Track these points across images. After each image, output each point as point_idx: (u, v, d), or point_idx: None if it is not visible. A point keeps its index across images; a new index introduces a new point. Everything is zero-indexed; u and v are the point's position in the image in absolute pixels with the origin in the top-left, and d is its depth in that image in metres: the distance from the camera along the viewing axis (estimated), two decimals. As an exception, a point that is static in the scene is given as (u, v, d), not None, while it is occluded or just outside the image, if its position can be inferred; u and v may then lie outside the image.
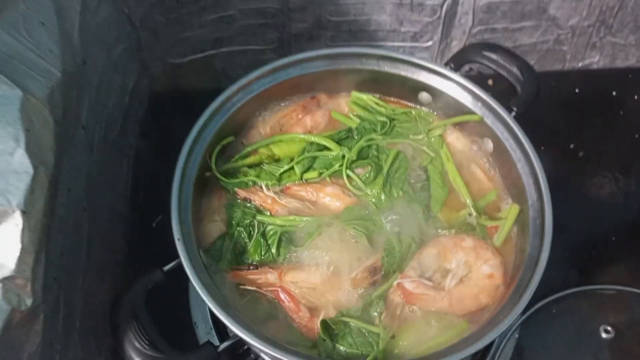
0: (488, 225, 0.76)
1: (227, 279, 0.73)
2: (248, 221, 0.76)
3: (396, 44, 1.16)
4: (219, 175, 0.78)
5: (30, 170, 0.54)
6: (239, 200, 0.78)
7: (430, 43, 1.16)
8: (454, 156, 0.82)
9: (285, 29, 1.13)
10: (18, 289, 0.53)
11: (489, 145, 0.81)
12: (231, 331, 0.82)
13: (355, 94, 0.86)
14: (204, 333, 0.87)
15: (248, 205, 0.78)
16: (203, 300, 0.89)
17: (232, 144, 0.83)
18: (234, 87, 0.80)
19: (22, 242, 0.52)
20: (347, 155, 0.80)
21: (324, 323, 0.67)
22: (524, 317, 0.89)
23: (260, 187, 0.79)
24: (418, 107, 0.87)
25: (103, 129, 0.89)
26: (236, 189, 0.78)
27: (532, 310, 0.90)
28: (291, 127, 0.84)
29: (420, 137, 0.84)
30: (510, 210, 0.77)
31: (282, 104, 0.86)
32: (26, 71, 0.58)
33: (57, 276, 0.66)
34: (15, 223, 0.52)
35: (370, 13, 1.11)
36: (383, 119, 0.84)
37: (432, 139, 0.83)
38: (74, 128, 0.74)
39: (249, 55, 1.17)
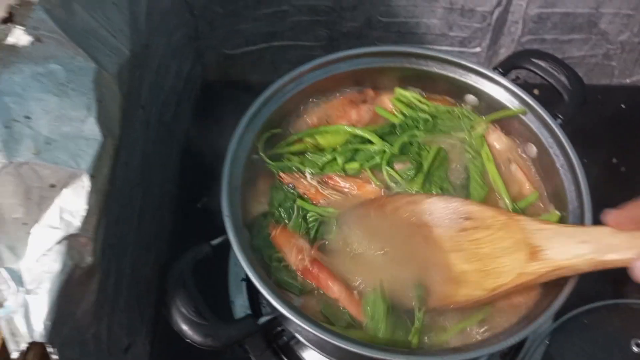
0: None
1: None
2: (289, 204, 0.79)
3: (444, 47, 1.18)
4: (265, 158, 0.81)
5: (99, 137, 0.58)
6: (282, 184, 0.81)
7: (478, 49, 1.18)
8: (495, 156, 0.83)
9: (335, 27, 1.16)
10: (81, 247, 0.56)
11: (533, 150, 0.82)
12: (268, 309, 0.86)
13: (398, 91, 0.88)
14: (241, 311, 0.91)
15: (291, 190, 0.81)
16: (241, 280, 0.95)
17: (280, 131, 0.86)
18: (286, 78, 0.83)
19: (88, 203, 0.56)
20: (387, 150, 0.82)
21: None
22: (555, 324, 0.90)
23: (304, 175, 0.82)
24: (461, 105, 0.89)
25: (158, 110, 0.93)
26: (280, 174, 0.81)
27: (563, 318, 0.90)
28: (337, 119, 0.87)
29: (462, 135, 0.85)
30: (550, 216, 0.77)
31: (330, 96, 0.89)
32: (100, 47, 0.63)
33: (111, 243, 0.70)
34: (83, 185, 0.56)
35: (421, 16, 1.13)
36: (425, 116, 0.85)
37: (474, 138, 0.84)
38: (134, 106, 0.79)
39: (298, 51, 1.21)
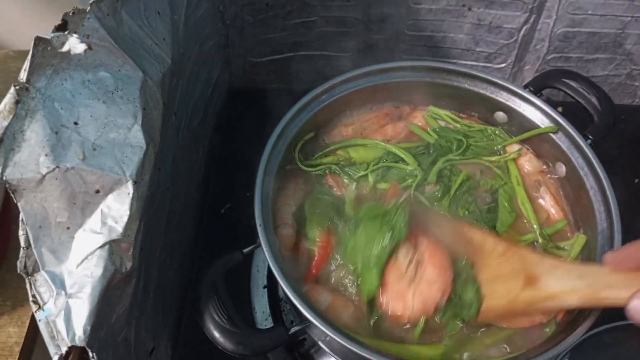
0: (554, 253, 0.78)
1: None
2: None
3: (469, 62, 1.19)
4: (305, 168, 0.84)
5: (144, 145, 0.59)
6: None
7: (503, 65, 1.18)
8: (524, 178, 0.84)
9: (361, 39, 1.17)
10: (122, 252, 0.57)
11: (562, 169, 0.82)
12: (291, 317, 0.87)
13: (432, 109, 0.89)
14: (262, 319, 0.91)
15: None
16: (263, 288, 0.95)
17: (312, 140, 0.87)
18: (319, 89, 0.84)
19: (131, 209, 0.57)
20: (419, 176, 0.82)
21: None
22: (575, 342, 0.90)
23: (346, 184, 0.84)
24: (492, 127, 0.89)
25: (188, 116, 0.94)
26: (327, 174, 0.84)
27: (584, 336, 0.90)
28: (372, 133, 0.88)
29: (493, 158, 0.86)
30: (576, 241, 0.78)
31: (366, 109, 0.90)
32: (145, 55, 0.64)
33: (142, 247, 0.71)
34: (128, 191, 0.57)
35: (448, 30, 1.14)
36: (459, 137, 0.86)
37: (505, 161, 0.85)
38: (168, 113, 0.80)
39: (324, 61, 1.22)
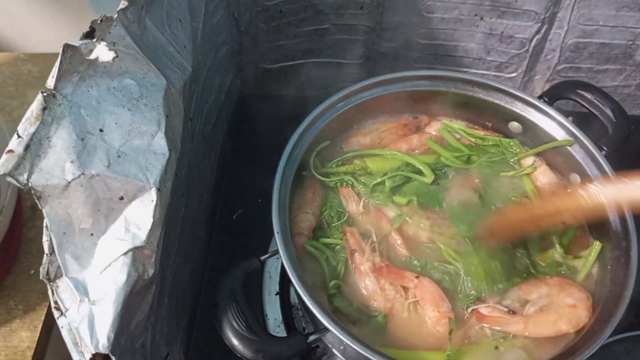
0: (574, 264, 0.78)
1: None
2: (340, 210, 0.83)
3: (480, 71, 1.19)
4: (320, 177, 0.84)
5: (166, 152, 0.59)
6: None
7: (514, 74, 1.19)
8: (539, 190, 0.84)
9: (373, 47, 1.18)
10: (145, 259, 0.57)
11: (576, 179, 0.83)
12: (304, 324, 0.87)
13: (446, 122, 0.89)
14: (274, 326, 0.92)
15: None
16: (275, 295, 0.95)
17: (330, 147, 0.88)
18: (335, 97, 0.85)
19: (154, 216, 0.57)
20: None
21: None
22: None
23: (357, 198, 0.83)
24: (507, 139, 0.90)
25: (202, 122, 0.94)
26: (339, 187, 0.84)
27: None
28: (390, 143, 0.88)
29: (510, 173, 0.86)
30: (592, 248, 0.78)
31: (384, 118, 0.91)
32: (168, 63, 0.64)
33: (161, 254, 0.71)
34: (151, 199, 0.57)
35: (459, 40, 1.14)
36: (473, 153, 0.87)
37: (521, 175, 0.85)
38: (187, 119, 0.80)
39: (335, 68, 1.22)
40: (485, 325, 0.73)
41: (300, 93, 1.25)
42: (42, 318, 0.88)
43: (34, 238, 0.96)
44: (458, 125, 0.90)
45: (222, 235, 1.06)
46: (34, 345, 0.86)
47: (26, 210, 0.99)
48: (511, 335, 0.72)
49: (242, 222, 1.06)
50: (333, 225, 0.82)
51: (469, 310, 0.74)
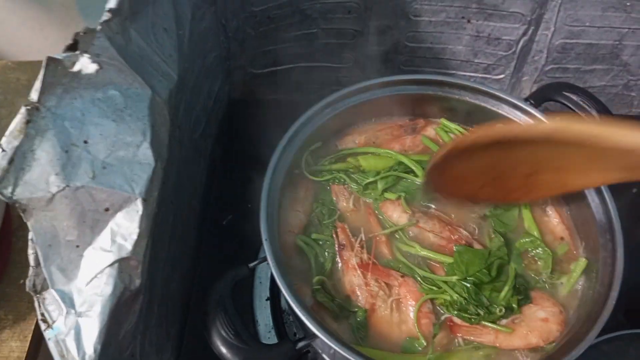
0: (559, 281, 0.78)
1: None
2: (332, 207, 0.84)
3: (468, 73, 1.20)
4: (311, 177, 0.85)
5: (152, 162, 0.59)
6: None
7: (501, 76, 1.19)
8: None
9: (362, 50, 1.18)
10: (131, 269, 0.57)
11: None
12: (294, 330, 0.87)
13: (444, 122, 0.90)
14: (265, 331, 0.92)
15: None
16: (266, 300, 0.95)
17: (324, 145, 0.89)
18: (323, 102, 0.85)
19: (140, 227, 0.57)
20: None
21: None
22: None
23: (349, 195, 0.84)
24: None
25: (190, 129, 0.94)
26: (331, 184, 0.85)
27: (585, 347, 0.91)
28: (385, 143, 0.89)
29: None
30: (578, 264, 0.78)
31: (381, 119, 0.92)
32: (153, 73, 0.64)
33: (149, 262, 0.71)
34: (137, 209, 0.57)
35: (447, 42, 1.15)
36: None
37: None
38: (173, 127, 0.80)
39: (324, 72, 1.22)
40: (457, 335, 0.74)
41: (290, 97, 1.25)
42: (32, 328, 0.88)
43: (23, 248, 0.95)
44: (454, 125, 0.90)
45: (211, 241, 1.06)
46: (24, 355, 0.86)
47: (15, 219, 0.99)
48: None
49: (231, 228, 1.06)
50: (324, 222, 0.82)
51: (443, 318, 0.75)
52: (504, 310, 0.72)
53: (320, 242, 0.81)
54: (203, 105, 1.01)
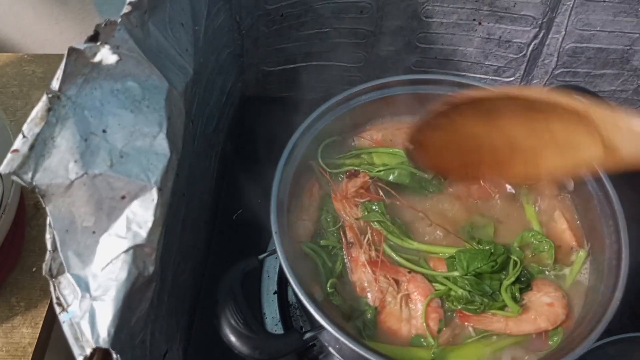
0: (562, 272, 0.79)
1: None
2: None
3: (478, 75, 1.21)
4: (321, 163, 0.87)
5: (168, 153, 0.60)
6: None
7: (511, 79, 1.20)
8: (539, 202, 0.86)
9: (373, 50, 1.19)
10: (145, 256, 0.59)
11: (570, 184, 0.84)
12: (301, 323, 0.88)
13: None
14: (272, 325, 0.93)
15: None
16: (274, 294, 0.97)
17: (336, 143, 0.90)
18: (337, 98, 0.86)
19: (155, 215, 0.58)
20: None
21: None
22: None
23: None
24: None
25: (203, 124, 0.96)
26: (332, 197, 0.85)
27: (590, 348, 0.92)
28: (402, 142, 0.89)
29: None
30: (579, 255, 0.80)
31: (398, 117, 0.93)
32: (170, 66, 0.65)
33: (161, 252, 0.73)
34: (152, 198, 0.58)
35: (458, 44, 1.16)
36: None
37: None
38: (188, 120, 0.82)
39: (335, 71, 1.24)
40: (468, 324, 0.75)
41: (301, 96, 1.26)
42: (44, 315, 0.90)
43: (36, 236, 0.98)
44: None
45: (222, 234, 1.08)
46: (35, 341, 0.87)
47: (29, 209, 1.01)
48: (494, 337, 0.73)
49: (241, 222, 1.08)
50: (329, 230, 0.83)
51: (452, 311, 0.76)
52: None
53: (327, 248, 0.82)
54: (216, 101, 1.03)
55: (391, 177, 0.84)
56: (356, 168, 0.86)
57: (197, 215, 0.98)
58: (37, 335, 0.88)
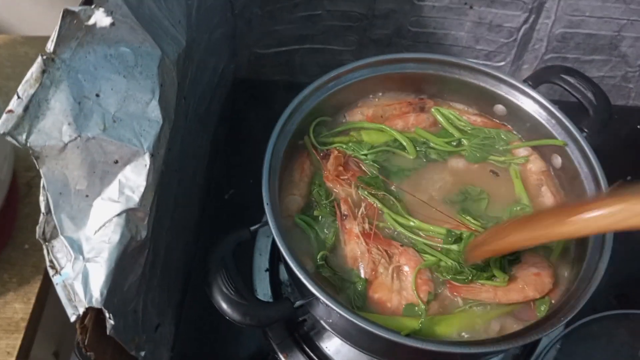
0: (548, 246, 0.80)
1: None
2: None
3: (469, 59, 1.22)
4: (313, 140, 0.87)
5: (160, 120, 0.61)
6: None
7: (502, 63, 1.22)
8: (527, 178, 0.87)
9: (365, 34, 1.20)
10: (138, 220, 0.60)
11: (558, 160, 0.85)
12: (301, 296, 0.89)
13: (434, 109, 0.93)
14: (265, 298, 0.94)
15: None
16: (265, 272, 0.98)
17: (332, 118, 0.91)
18: (329, 75, 0.87)
19: (147, 180, 0.59)
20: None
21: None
22: (566, 330, 0.93)
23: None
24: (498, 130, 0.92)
25: (196, 102, 0.97)
26: (323, 177, 0.85)
27: (575, 325, 0.94)
28: (392, 118, 0.91)
29: (501, 159, 0.89)
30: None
31: (388, 94, 0.94)
32: (162, 35, 0.66)
33: (153, 225, 0.73)
34: (145, 163, 0.59)
35: (450, 28, 1.17)
36: (462, 136, 0.90)
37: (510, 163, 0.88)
38: (178, 96, 0.82)
39: (327, 55, 1.25)
40: (457, 294, 0.76)
41: (293, 79, 1.27)
42: (36, 291, 0.90)
43: (28, 214, 0.98)
44: (448, 111, 0.92)
45: (213, 214, 1.08)
46: (27, 316, 0.88)
47: (21, 187, 1.01)
48: (488, 307, 0.75)
49: (233, 202, 1.09)
50: (322, 203, 0.84)
51: (441, 282, 0.77)
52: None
53: (320, 220, 0.82)
54: (208, 81, 1.03)
55: (376, 159, 0.86)
56: (332, 147, 0.87)
57: (189, 194, 0.98)
58: (30, 310, 0.89)
